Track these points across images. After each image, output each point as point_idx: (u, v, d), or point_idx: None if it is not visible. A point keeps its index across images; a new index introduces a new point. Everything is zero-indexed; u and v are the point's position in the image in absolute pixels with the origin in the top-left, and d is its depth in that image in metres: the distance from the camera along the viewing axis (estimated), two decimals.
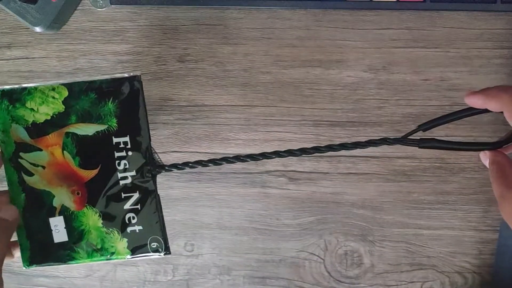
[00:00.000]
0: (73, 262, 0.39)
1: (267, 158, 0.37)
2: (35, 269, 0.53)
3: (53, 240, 0.38)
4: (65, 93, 0.38)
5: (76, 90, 0.38)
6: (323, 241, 0.50)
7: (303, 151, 0.37)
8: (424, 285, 0.49)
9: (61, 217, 0.38)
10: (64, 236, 0.38)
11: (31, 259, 0.39)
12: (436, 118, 0.35)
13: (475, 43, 0.46)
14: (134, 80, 0.38)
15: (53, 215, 0.38)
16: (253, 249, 0.50)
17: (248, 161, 0.38)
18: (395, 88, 0.47)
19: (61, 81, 0.38)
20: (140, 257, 0.39)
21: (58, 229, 0.38)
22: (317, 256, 0.50)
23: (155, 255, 0.39)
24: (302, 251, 0.50)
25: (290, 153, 0.37)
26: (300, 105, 0.48)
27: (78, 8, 0.48)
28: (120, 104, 0.38)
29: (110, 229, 0.38)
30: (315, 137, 0.48)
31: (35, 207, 0.38)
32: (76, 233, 0.38)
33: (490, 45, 0.46)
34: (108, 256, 0.39)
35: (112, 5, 0.47)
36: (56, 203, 0.38)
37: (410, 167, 0.48)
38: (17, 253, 0.40)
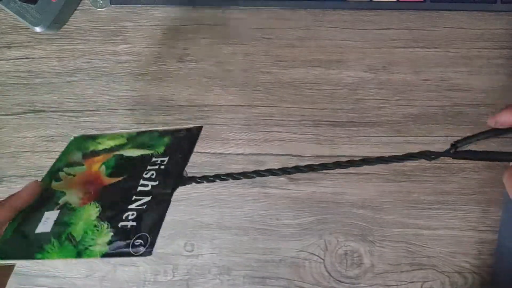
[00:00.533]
0: (40, 255, 0.35)
1: (301, 172, 0.36)
2: (35, 269, 0.53)
3: (35, 230, 0.36)
4: (134, 134, 0.41)
5: (143, 132, 0.41)
6: (323, 241, 0.50)
7: (351, 164, 0.35)
8: (424, 285, 0.49)
9: (57, 212, 0.37)
10: (48, 227, 0.36)
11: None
12: (470, 136, 0.34)
13: (475, 43, 0.46)
14: (197, 129, 0.40)
15: (51, 209, 0.37)
16: (253, 249, 0.50)
17: (280, 174, 0.37)
18: (395, 88, 0.47)
19: (138, 130, 0.42)
20: (114, 256, 0.34)
21: (47, 222, 0.36)
22: (317, 256, 0.50)
23: (133, 254, 0.34)
24: (302, 251, 0.50)
25: (337, 165, 0.35)
26: (300, 105, 0.48)
27: (78, 8, 0.48)
28: (175, 139, 0.40)
29: (101, 223, 0.35)
30: (315, 137, 0.48)
31: (42, 203, 0.37)
32: (62, 225, 0.36)
33: (490, 45, 0.46)
34: (82, 251, 0.34)
35: (112, 5, 0.47)
36: (62, 200, 0.37)
37: (410, 167, 0.48)
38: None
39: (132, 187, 0.37)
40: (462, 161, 0.47)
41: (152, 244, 0.34)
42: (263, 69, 0.48)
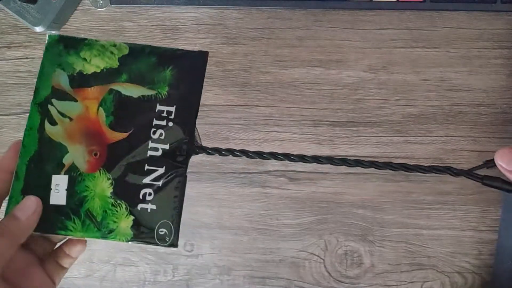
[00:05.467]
0: (64, 232, 0.34)
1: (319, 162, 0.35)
2: None
3: (48, 200, 0.33)
4: (125, 51, 0.35)
5: (137, 50, 0.35)
6: (323, 241, 0.50)
7: (359, 163, 0.35)
8: (424, 285, 0.49)
9: (66, 177, 0.34)
10: (62, 199, 0.34)
11: None
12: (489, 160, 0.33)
13: (475, 43, 0.46)
14: (201, 56, 0.36)
15: (58, 173, 0.34)
16: (253, 249, 0.50)
17: (296, 161, 0.35)
18: (395, 88, 0.47)
19: (126, 41, 0.36)
20: (140, 243, 0.34)
21: (58, 190, 0.34)
22: (317, 256, 0.50)
23: (159, 245, 0.34)
24: (302, 251, 0.50)
25: (344, 161, 0.35)
26: (300, 105, 0.48)
27: (78, 8, 0.48)
28: (178, 74, 0.35)
29: (118, 201, 0.34)
30: (315, 137, 0.48)
31: (44, 159, 0.34)
32: (76, 198, 0.34)
33: (490, 45, 0.46)
34: (106, 232, 0.34)
35: (112, 5, 0.47)
36: (67, 160, 0.34)
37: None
38: (75, 251, 0.36)
39: (141, 152, 0.34)
40: (461, 160, 0.47)
41: (177, 234, 0.34)
42: (263, 69, 0.48)
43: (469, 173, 0.33)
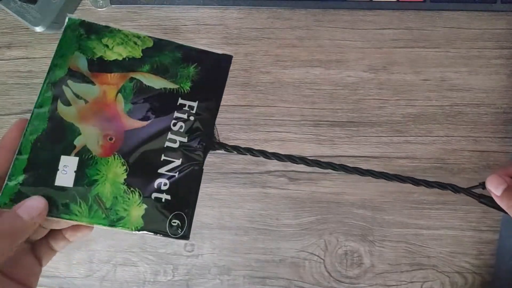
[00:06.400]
0: (68, 216, 0.32)
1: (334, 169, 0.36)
2: None
3: (53, 181, 0.32)
4: (150, 44, 0.35)
5: (162, 45, 0.35)
6: (323, 241, 0.50)
7: (384, 175, 0.37)
8: (424, 285, 0.49)
9: (76, 159, 0.32)
10: (69, 181, 0.32)
11: (16, 196, 0.31)
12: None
13: (475, 43, 0.46)
14: (225, 59, 0.36)
15: (68, 154, 0.32)
16: (253, 249, 0.50)
17: (311, 165, 0.35)
18: (395, 88, 0.47)
19: (151, 35, 0.35)
20: (150, 233, 0.33)
21: (66, 171, 0.32)
22: (317, 256, 0.50)
23: (170, 237, 0.33)
24: (302, 251, 0.50)
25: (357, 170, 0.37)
26: (300, 105, 0.48)
27: (78, 8, 0.49)
28: (202, 72, 0.35)
29: (132, 189, 0.33)
30: (315, 137, 0.48)
31: (52, 139, 0.33)
32: (86, 181, 0.32)
33: (490, 45, 0.46)
34: (114, 220, 0.32)
35: (112, 5, 0.47)
36: (78, 142, 0.33)
37: (410, 167, 0.48)
38: (75, 236, 0.34)
39: (159, 141, 0.34)
40: (462, 160, 0.47)
41: (189, 227, 0.34)
42: (263, 69, 0.48)
43: (467, 191, 0.36)
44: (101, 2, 0.47)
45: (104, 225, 0.32)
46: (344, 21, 0.47)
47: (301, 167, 0.49)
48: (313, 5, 0.46)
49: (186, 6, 0.48)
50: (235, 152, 0.35)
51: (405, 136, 0.47)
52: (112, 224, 0.32)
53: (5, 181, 0.31)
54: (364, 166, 0.48)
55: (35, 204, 0.30)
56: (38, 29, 0.46)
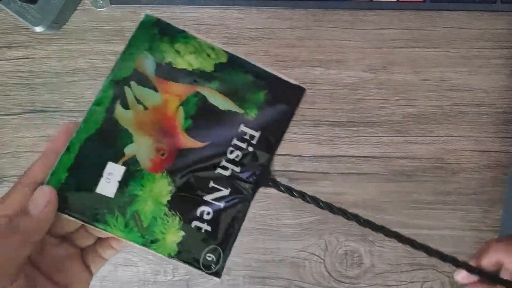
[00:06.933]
0: (102, 226, 0.30)
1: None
2: None
3: (95, 187, 0.30)
4: (223, 59, 0.32)
5: (236, 63, 0.32)
6: (323, 241, 0.50)
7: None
8: (424, 285, 0.49)
9: (123, 169, 0.30)
10: (111, 191, 0.30)
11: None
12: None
13: (475, 43, 0.46)
14: (298, 91, 0.33)
15: (115, 161, 0.30)
16: (253, 249, 0.50)
17: (351, 219, 0.35)
18: (395, 88, 0.47)
19: (226, 48, 0.32)
20: (182, 263, 0.31)
21: (110, 179, 0.30)
22: (317, 256, 0.50)
23: (202, 271, 0.31)
24: (302, 251, 0.50)
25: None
26: (300, 105, 0.48)
27: (78, 8, 0.49)
28: (271, 100, 0.32)
29: (173, 212, 0.31)
30: (315, 137, 0.48)
31: (103, 142, 0.31)
32: (127, 194, 0.30)
33: (490, 45, 0.46)
34: (149, 241, 0.30)
35: (112, 5, 0.47)
36: (129, 150, 0.31)
37: (411, 167, 0.48)
38: (120, 245, 0.33)
39: (210, 167, 0.31)
40: (462, 160, 0.47)
41: (223, 264, 0.31)
42: None
43: (467, 265, 0.37)
44: (101, 2, 0.47)
45: (138, 243, 0.30)
46: (344, 21, 0.47)
47: (301, 167, 0.49)
48: (313, 5, 0.46)
49: (186, 6, 0.48)
50: (287, 194, 0.33)
51: (405, 136, 0.47)
52: (146, 244, 0.30)
53: (47, 177, 0.29)
54: (364, 166, 0.49)
55: (39, 195, 0.28)
56: (38, 29, 0.46)
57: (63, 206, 0.29)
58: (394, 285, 0.49)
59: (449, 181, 0.48)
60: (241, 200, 0.32)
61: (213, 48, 0.32)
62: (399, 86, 0.47)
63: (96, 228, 0.30)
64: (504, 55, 0.46)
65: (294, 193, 0.33)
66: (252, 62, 0.32)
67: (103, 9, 0.48)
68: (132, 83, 0.31)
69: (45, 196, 0.28)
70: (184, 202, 0.31)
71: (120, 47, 0.49)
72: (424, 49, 0.46)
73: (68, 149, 0.30)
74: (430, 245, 0.49)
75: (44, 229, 0.28)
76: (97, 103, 0.31)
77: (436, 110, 0.47)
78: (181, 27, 0.32)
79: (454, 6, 0.45)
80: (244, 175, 0.32)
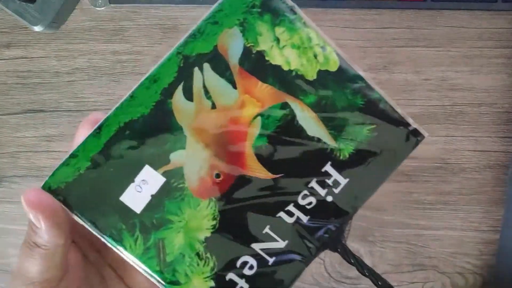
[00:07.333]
0: (114, 242, 0.24)
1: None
2: None
3: (119, 193, 0.24)
4: (333, 66, 0.24)
5: (345, 77, 0.24)
6: None
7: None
8: (425, 285, 0.49)
9: (163, 180, 0.24)
10: (139, 205, 0.24)
11: (66, 186, 0.23)
12: None
13: (476, 42, 0.46)
14: (414, 136, 0.25)
15: (155, 167, 0.24)
16: None
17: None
18: (396, 88, 0.47)
19: (340, 52, 0.24)
20: None
21: (141, 189, 0.24)
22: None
23: None
24: None
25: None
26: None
27: (77, 7, 0.48)
28: (376, 140, 0.25)
29: (208, 254, 0.24)
30: None
31: (146, 134, 0.24)
32: (158, 215, 0.24)
33: (491, 45, 0.46)
34: (167, 279, 0.24)
35: (111, 4, 0.47)
36: (176, 157, 0.24)
37: (411, 167, 0.48)
38: None
39: (275, 206, 0.25)
40: (463, 160, 0.47)
41: None
42: None
43: None
44: (100, 1, 0.47)
45: (153, 272, 0.25)
46: (345, 20, 0.47)
47: None
48: (313, 5, 0.46)
49: (185, 6, 0.47)
50: (356, 267, 0.27)
51: None
52: (161, 282, 0.25)
53: (65, 158, 0.23)
54: None
55: (25, 196, 0.23)
56: (37, 28, 0.46)
57: (74, 202, 0.24)
58: (395, 286, 0.49)
59: (450, 181, 0.48)
60: (297, 260, 0.25)
61: (324, 47, 0.24)
62: (400, 85, 0.47)
63: (107, 244, 0.24)
64: (506, 54, 0.46)
65: (365, 271, 0.27)
66: (368, 81, 0.25)
67: (102, 8, 0.48)
68: (206, 65, 0.23)
69: (28, 195, 0.23)
70: (225, 244, 0.24)
71: (120, 47, 0.49)
72: (425, 48, 0.46)
73: (99, 129, 0.23)
74: (431, 245, 0.49)
75: (48, 235, 0.23)
76: (152, 79, 0.23)
77: (437, 109, 0.47)
78: (290, 4, 0.24)
79: (455, 5, 0.45)
80: (310, 230, 0.25)
